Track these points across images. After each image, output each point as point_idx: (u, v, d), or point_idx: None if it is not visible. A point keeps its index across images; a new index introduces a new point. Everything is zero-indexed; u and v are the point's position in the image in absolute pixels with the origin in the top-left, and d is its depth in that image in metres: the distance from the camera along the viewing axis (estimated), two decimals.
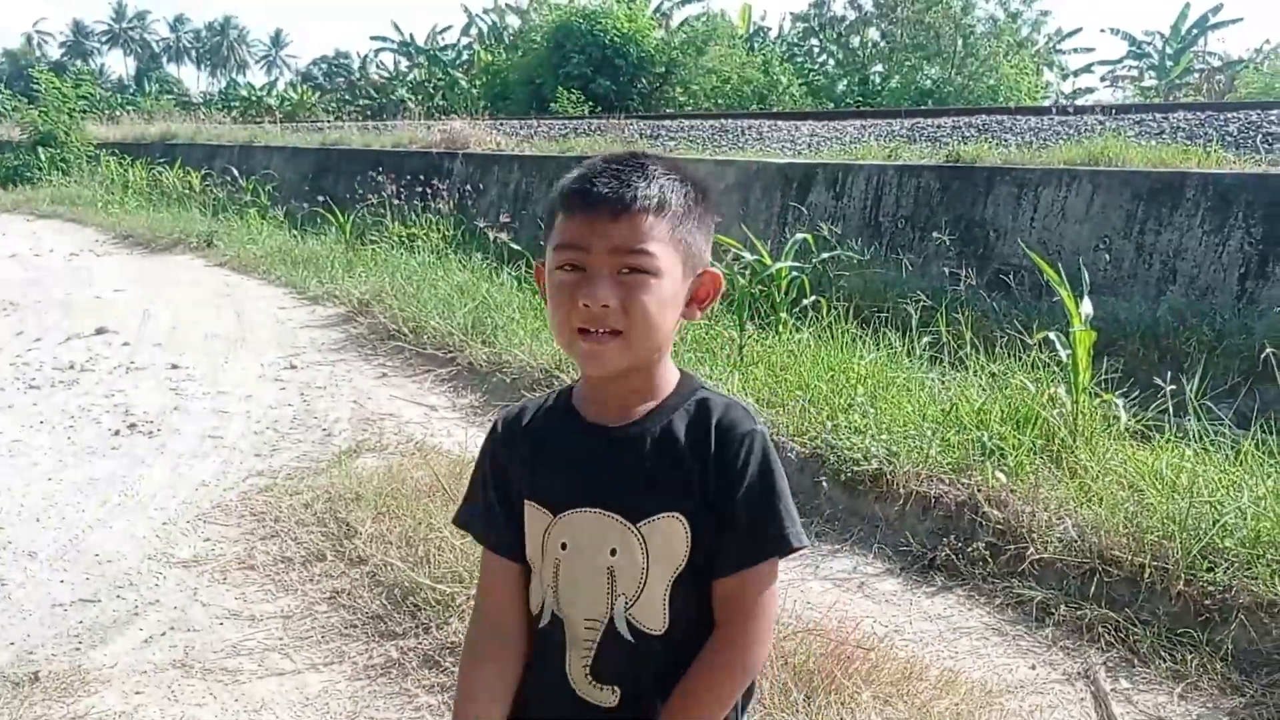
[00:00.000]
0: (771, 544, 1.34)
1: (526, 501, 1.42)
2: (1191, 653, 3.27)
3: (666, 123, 16.91)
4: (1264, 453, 4.07)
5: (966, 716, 2.74)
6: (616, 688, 1.37)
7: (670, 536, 1.34)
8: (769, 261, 7.19)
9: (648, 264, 1.30)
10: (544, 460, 1.43)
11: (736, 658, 1.35)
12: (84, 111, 28.60)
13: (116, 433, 5.83)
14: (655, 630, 1.36)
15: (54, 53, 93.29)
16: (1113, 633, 3.44)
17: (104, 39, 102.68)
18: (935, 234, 8.69)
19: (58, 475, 5.09)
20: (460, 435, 5.73)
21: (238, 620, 3.62)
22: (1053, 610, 3.60)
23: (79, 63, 76.81)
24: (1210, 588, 3.40)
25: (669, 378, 1.42)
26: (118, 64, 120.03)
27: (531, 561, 1.43)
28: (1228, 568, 3.43)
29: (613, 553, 1.35)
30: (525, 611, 1.45)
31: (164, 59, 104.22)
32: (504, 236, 9.32)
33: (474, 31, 46.34)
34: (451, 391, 6.76)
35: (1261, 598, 3.29)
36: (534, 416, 1.49)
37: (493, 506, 1.47)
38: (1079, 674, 3.25)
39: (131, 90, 73.03)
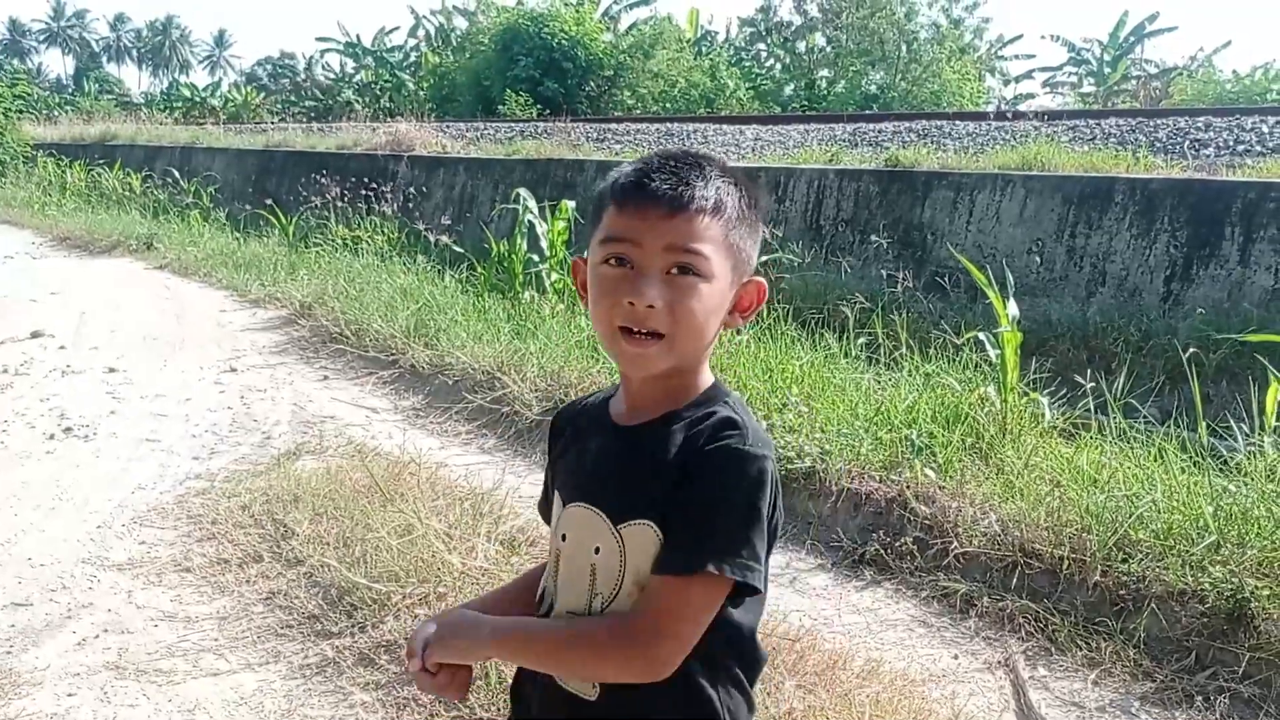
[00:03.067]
0: (695, 559, 1.24)
1: (555, 490, 1.47)
2: (1106, 641, 3.39)
3: (613, 126, 16.96)
4: (1177, 449, 4.21)
5: (888, 704, 2.83)
6: (598, 683, 1.35)
7: (644, 543, 1.30)
8: None
9: (700, 265, 1.28)
10: (568, 452, 1.46)
11: (611, 630, 1.30)
12: (20, 111, 28.06)
13: (51, 436, 5.77)
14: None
15: None
16: (1033, 623, 3.55)
17: (41, 38, 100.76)
18: (874, 237, 8.84)
19: None
20: (400, 437, 5.74)
21: (172, 622, 3.62)
22: (976, 602, 3.71)
23: (15, 62, 75.30)
24: (1125, 578, 3.53)
25: (699, 385, 1.39)
26: (56, 63, 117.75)
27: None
28: (1142, 559, 3.55)
29: (596, 550, 1.34)
30: None
31: (104, 58, 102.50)
32: (446, 239, 9.32)
33: (421, 33, 46.08)
34: (393, 394, 6.76)
35: (1173, 587, 3.41)
36: (581, 409, 1.52)
37: (549, 490, 1.52)
38: (999, 663, 3.36)
39: (70, 90, 71.72)
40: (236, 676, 3.26)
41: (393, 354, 7.27)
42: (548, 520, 1.52)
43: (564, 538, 1.39)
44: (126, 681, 3.22)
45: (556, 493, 1.45)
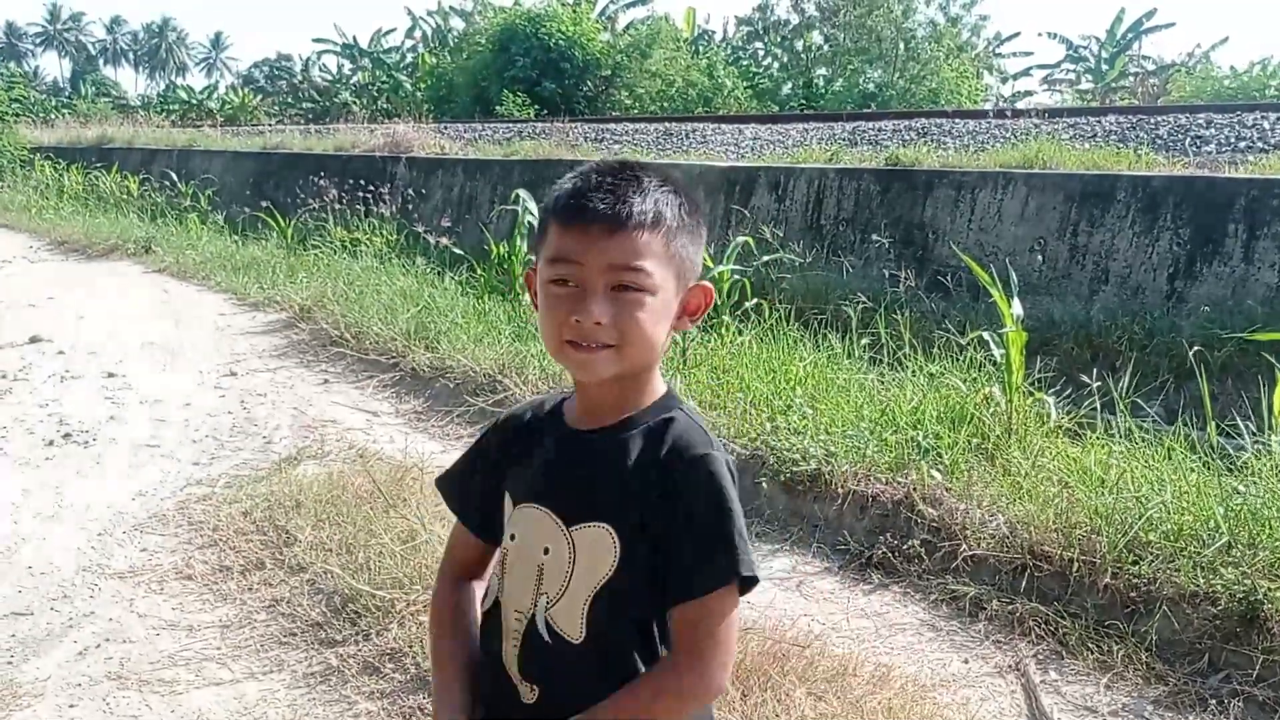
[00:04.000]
0: (722, 573, 1.31)
1: (504, 491, 1.47)
2: (1118, 644, 3.36)
3: (612, 126, 16.94)
4: (1186, 448, 4.18)
5: (899, 711, 2.79)
6: (537, 686, 1.39)
7: (597, 546, 1.34)
8: (711, 264, 7.24)
9: (642, 281, 1.31)
10: (518, 454, 1.47)
11: (674, 683, 1.33)
12: (17, 115, 28.02)
13: (51, 443, 5.74)
14: (572, 637, 1.37)
15: None
16: (1043, 626, 3.52)
17: (38, 40, 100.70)
18: (875, 236, 8.81)
19: None
20: (402, 441, 5.70)
21: (175, 630, 3.58)
22: (985, 605, 3.67)
23: (12, 65, 75.21)
24: (1136, 580, 3.50)
25: (652, 391, 1.42)
26: (52, 66, 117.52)
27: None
28: (1152, 561, 3.52)
29: (545, 551, 1.37)
30: (480, 575, 1.55)
31: (100, 61, 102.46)
32: (446, 241, 9.29)
33: (418, 34, 46.06)
34: (394, 397, 6.73)
35: (1184, 589, 3.38)
36: (532, 414, 1.52)
37: (473, 478, 1.53)
38: (1010, 667, 3.33)
39: (67, 93, 71.67)
40: (240, 686, 3.23)
41: (393, 357, 7.23)
42: (461, 505, 1.56)
43: (512, 537, 1.42)
44: (129, 692, 3.19)
45: (506, 493, 1.46)
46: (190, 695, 3.17)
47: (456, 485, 1.57)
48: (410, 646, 3.25)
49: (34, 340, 8.26)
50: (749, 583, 1.33)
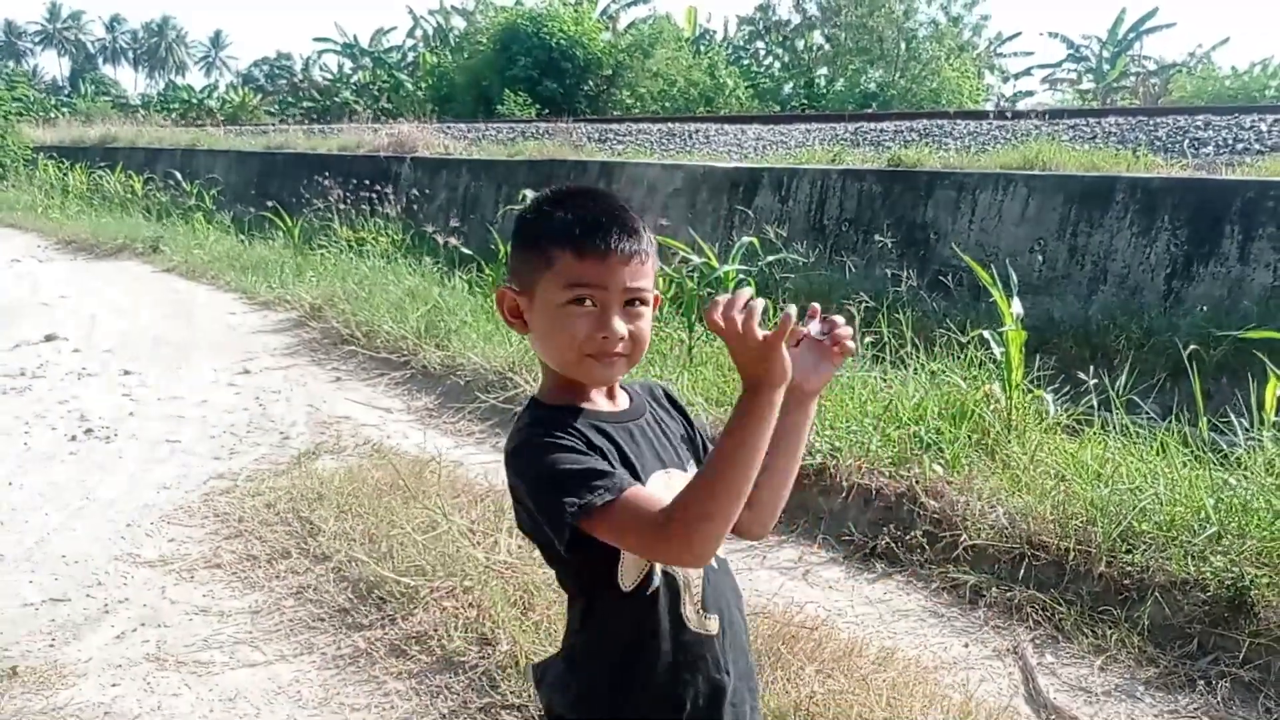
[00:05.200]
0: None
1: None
2: (1112, 629, 3.51)
3: (615, 126, 17.07)
4: (1179, 443, 4.33)
5: (903, 688, 2.94)
6: (716, 615, 1.61)
7: None
8: (716, 265, 7.39)
9: (646, 297, 1.56)
10: (621, 447, 1.60)
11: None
12: (19, 114, 28.14)
13: (73, 438, 5.88)
14: (723, 553, 1.64)
15: None
16: (1040, 612, 3.67)
17: (37, 39, 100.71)
18: (878, 236, 8.94)
19: (17, 480, 5.14)
20: (417, 437, 5.85)
21: (207, 616, 3.73)
22: (984, 593, 3.82)
23: (11, 64, 75.33)
24: (1129, 569, 3.65)
25: None
26: (51, 65, 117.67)
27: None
28: (1145, 550, 3.67)
29: None
30: None
31: (100, 60, 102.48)
32: (454, 241, 9.43)
33: (419, 33, 46.21)
34: (406, 394, 6.87)
35: (1175, 576, 3.53)
36: (586, 423, 1.60)
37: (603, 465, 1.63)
38: (1008, 650, 3.48)
39: (66, 92, 71.77)
40: (272, 667, 3.37)
41: (404, 355, 7.38)
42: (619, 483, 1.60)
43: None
44: (167, 672, 3.34)
45: (639, 469, 1.61)
46: (226, 676, 3.32)
47: (605, 478, 1.56)
48: (435, 630, 3.40)
49: (49, 338, 8.40)
50: None
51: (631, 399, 1.69)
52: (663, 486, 1.58)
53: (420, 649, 3.35)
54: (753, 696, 1.70)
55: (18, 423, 6.15)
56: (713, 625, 1.61)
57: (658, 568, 1.59)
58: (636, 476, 1.57)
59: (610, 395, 1.66)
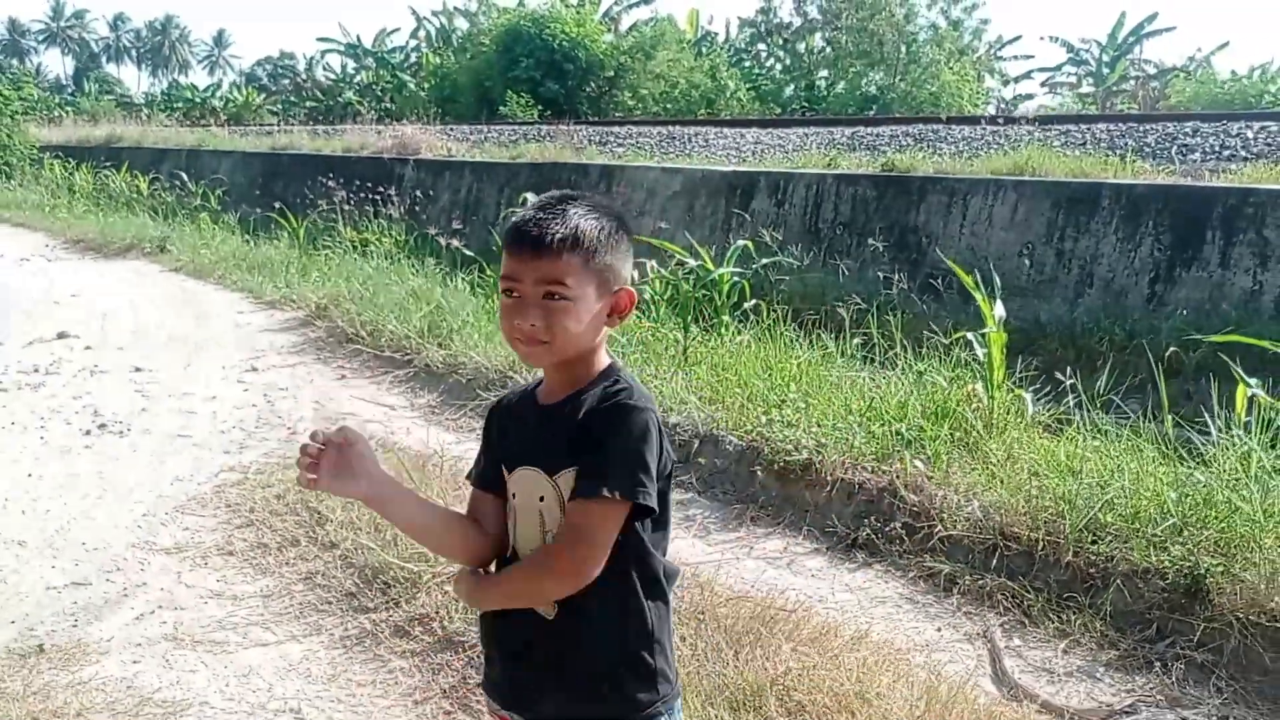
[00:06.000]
0: (613, 486, 1.62)
1: (501, 463, 1.84)
2: (1076, 614, 3.72)
3: (616, 129, 17.26)
4: (1148, 441, 4.54)
5: (873, 666, 3.14)
6: (552, 599, 1.75)
7: (567, 483, 1.72)
8: (711, 267, 7.59)
9: (563, 292, 1.67)
10: (505, 429, 1.87)
11: (550, 564, 1.69)
12: (24, 113, 28.33)
13: (88, 432, 6.09)
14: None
15: None
16: (1010, 599, 3.88)
17: (41, 38, 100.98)
18: (871, 240, 9.14)
19: (37, 472, 5.36)
20: (420, 433, 6.05)
21: (220, 599, 3.94)
22: (958, 581, 4.03)
23: (15, 62, 75.59)
24: (1095, 558, 3.86)
25: (597, 367, 1.78)
26: (55, 63, 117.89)
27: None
28: (1110, 540, 3.88)
29: (541, 499, 1.75)
30: (494, 521, 1.86)
31: (103, 59, 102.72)
32: (455, 243, 9.64)
33: (422, 34, 46.42)
34: (410, 392, 7.08)
35: (1137, 565, 3.74)
36: (513, 398, 1.93)
37: (482, 460, 1.91)
38: (978, 634, 3.69)
39: (70, 91, 71.97)
40: (283, 647, 3.58)
41: (407, 354, 7.58)
42: (482, 485, 1.90)
43: (514, 495, 1.80)
44: (184, 651, 3.55)
45: (502, 464, 1.83)
46: (240, 654, 3.53)
47: (476, 470, 1.95)
48: (437, 612, 3.61)
49: (61, 336, 8.61)
50: (642, 511, 1.67)
51: (575, 394, 1.76)
52: (518, 482, 1.78)
53: (422, 629, 3.56)
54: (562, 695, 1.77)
55: (34, 417, 6.36)
56: (550, 610, 1.73)
57: (509, 539, 1.83)
58: (501, 460, 1.82)
59: (564, 383, 1.77)
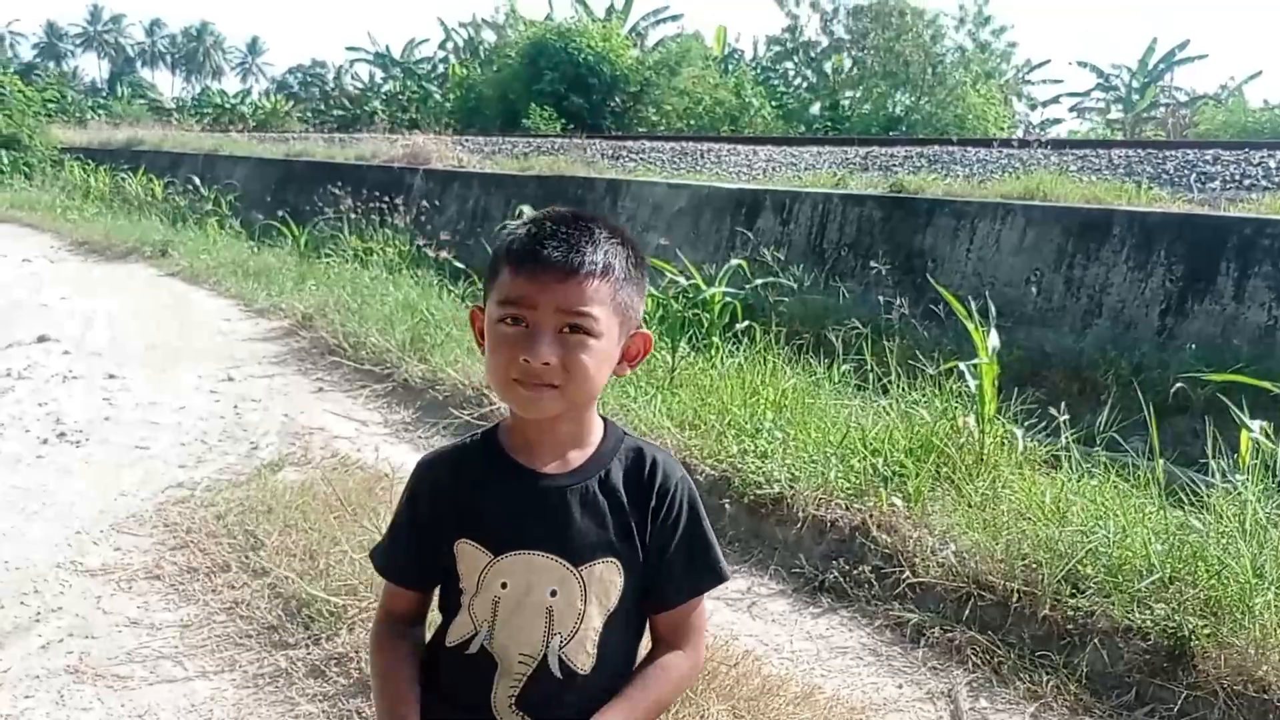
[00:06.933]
0: (710, 577, 1.56)
1: (462, 541, 1.50)
2: (1049, 675, 3.41)
3: (629, 143, 17.09)
4: (1134, 485, 4.22)
5: None
6: (529, 716, 1.47)
7: (606, 580, 1.47)
8: (703, 286, 7.33)
9: (590, 325, 1.39)
10: (483, 503, 1.50)
11: (687, 669, 1.57)
12: (50, 115, 28.48)
13: (45, 441, 5.88)
14: (582, 669, 1.48)
15: (26, 53, 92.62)
16: (980, 654, 3.57)
17: (78, 41, 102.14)
18: (874, 263, 8.86)
19: None
20: (388, 450, 5.81)
21: (136, 628, 3.70)
22: (926, 632, 3.73)
23: (51, 65, 76.47)
24: (1073, 613, 3.55)
25: (595, 424, 1.53)
26: (91, 67, 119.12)
27: (464, 595, 1.50)
28: (1091, 593, 3.58)
29: (552, 594, 1.45)
30: (420, 625, 1.61)
31: (138, 63, 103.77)
32: (445, 255, 9.43)
33: (450, 45, 46.51)
34: (385, 407, 6.85)
35: (1118, 623, 3.44)
36: (465, 460, 1.56)
37: (409, 548, 1.56)
38: (942, 694, 3.39)
39: (104, 94, 72.61)
40: (191, 684, 3.33)
41: (388, 367, 7.35)
42: (406, 582, 1.59)
43: (504, 585, 1.47)
44: (84, 686, 3.30)
45: (471, 543, 1.49)
46: (142, 692, 3.28)
47: (389, 559, 1.60)
48: (356, 652, 3.35)
49: (41, 339, 8.44)
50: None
51: (592, 461, 1.50)
52: (511, 571, 1.47)
53: (339, 671, 3.31)
54: None
55: None
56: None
57: (479, 637, 1.49)
58: (460, 540, 1.50)
59: (559, 444, 1.50)
